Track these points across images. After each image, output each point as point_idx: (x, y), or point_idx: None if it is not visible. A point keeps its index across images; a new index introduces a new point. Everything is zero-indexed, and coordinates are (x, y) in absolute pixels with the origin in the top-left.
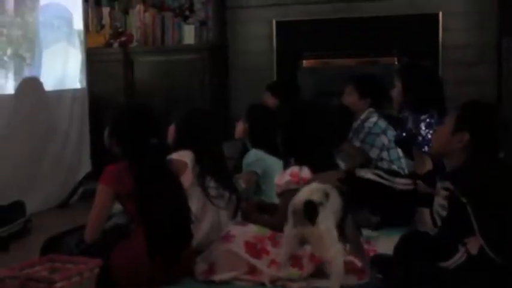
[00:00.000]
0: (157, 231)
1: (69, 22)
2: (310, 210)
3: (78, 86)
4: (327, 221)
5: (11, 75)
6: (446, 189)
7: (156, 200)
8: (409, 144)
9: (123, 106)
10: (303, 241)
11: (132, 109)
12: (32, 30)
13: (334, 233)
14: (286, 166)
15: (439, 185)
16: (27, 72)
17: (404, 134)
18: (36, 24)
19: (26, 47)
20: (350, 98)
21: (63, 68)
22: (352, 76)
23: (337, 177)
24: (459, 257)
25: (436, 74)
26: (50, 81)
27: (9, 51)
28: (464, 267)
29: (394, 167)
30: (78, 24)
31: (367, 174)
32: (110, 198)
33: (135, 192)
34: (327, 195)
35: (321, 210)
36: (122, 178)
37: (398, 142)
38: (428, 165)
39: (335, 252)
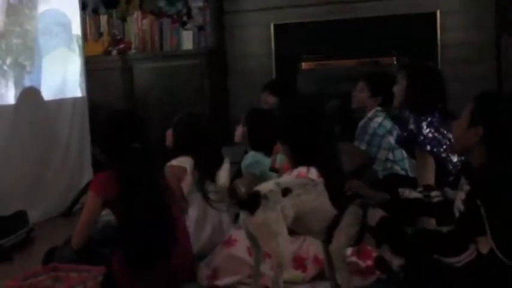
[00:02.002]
0: (137, 240)
1: (67, 28)
2: (251, 201)
3: (78, 90)
4: (267, 213)
5: (11, 85)
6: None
7: (138, 206)
8: (411, 144)
9: (107, 114)
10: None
11: (112, 116)
12: (31, 38)
13: (275, 227)
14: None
15: (462, 180)
16: (27, 80)
17: (405, 135)
18: (35, 32)
19: (25, 55)
20: (361, 94)
21: (63, 73)
22: (365, 73)
23: (382, 202)
24: (469, 254)
25: (440, 74)
26: (50, 87)
27: (8, 60)
28: (473, 265)
29: (398, 167)
30: (77, 29)
31: (412, 193)
32: (98, 206)
33: (119, 198)
34: (287, 190)
35: (264, 202)
36: (109, 185)
37: (400, 143)
38: (431, 165)
39: (275, 246)
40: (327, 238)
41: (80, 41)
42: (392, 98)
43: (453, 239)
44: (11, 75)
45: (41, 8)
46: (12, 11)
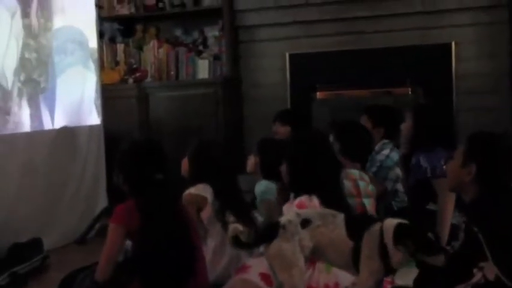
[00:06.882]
0: (156, 271)
1: (84, 45)
2: (269, 230)
3: (93, 108)
4: (283, 244)
5: (25, 104)
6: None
7: (159, 237)
8: (429, 183)
9: (129, 142)
10: None
11: (136, 145)
12: (46, 53)
13: (290, 259)
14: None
15: (461, 219)
16: (42, 100)
17: (421, 175)
18: (50, 47)
19: (40, 71)
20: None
21: (80, 93)
22: (366, 106)
23: None
24: (477, 281)
25: (449, 116)
26: (65, 106)
27: (22, 77)
28: None
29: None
30: (92, 42)
31: None
32: (121, 237)
33: (141, 228)
34: (306, 221)
35: (282, 233)
36: (131, 216)
37: (417, 186)
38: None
39: (288, 277)
40: (358, 273)
41: (95, 55)
42: (395, 130)
43: (457, 266)
44: (25, 92)
45: (57, 22)
46: (26, 22)
